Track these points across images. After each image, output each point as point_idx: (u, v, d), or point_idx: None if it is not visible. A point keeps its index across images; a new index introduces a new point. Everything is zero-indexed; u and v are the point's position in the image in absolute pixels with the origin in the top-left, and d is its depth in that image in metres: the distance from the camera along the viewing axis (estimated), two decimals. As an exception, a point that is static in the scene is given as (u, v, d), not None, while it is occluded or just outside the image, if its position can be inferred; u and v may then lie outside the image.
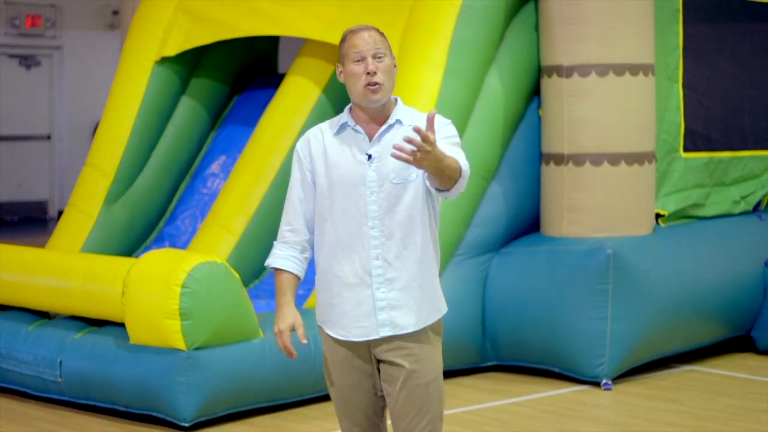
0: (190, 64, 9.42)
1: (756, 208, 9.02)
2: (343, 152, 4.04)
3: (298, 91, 8.74)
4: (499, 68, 8.10)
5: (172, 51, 9.15)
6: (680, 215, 8.46)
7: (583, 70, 7.90)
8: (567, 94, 7.95)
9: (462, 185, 3.97)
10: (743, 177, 8.92)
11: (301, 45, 9.10)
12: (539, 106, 8.26)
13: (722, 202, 8.73)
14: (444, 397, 4.12)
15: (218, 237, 8.37)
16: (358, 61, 3.99)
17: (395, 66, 4.07)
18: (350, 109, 4.10)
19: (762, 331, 8.72)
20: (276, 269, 4.14)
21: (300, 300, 8.00)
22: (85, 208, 8.97)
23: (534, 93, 8.31)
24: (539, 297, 7.86)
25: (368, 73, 3.97)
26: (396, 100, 4.11)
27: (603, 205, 7.94)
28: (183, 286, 6.57)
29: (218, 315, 6.71)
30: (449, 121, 4.11)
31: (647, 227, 8.10)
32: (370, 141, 4.03)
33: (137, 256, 8.59)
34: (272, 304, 7.90)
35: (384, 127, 4.04)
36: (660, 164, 8.29)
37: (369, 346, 4.06)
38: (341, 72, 4.06)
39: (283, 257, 4.14)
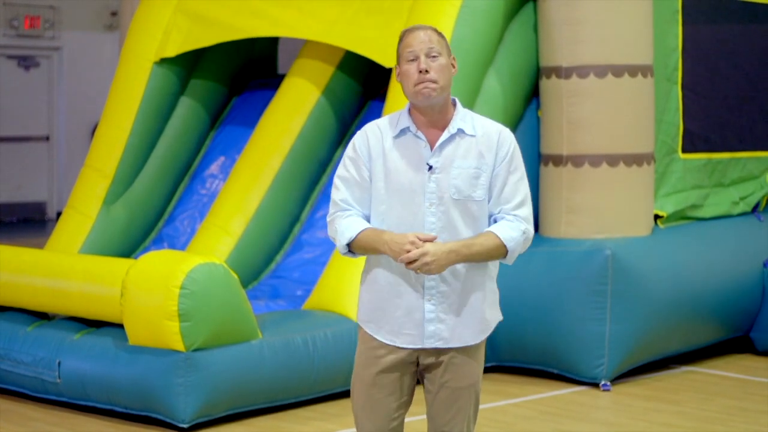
0: (189, 65, 9.41)
1: (755, 209, 9.02)
2: (403, 158, 3.97)
3: (298, 92, 8.73)
4: (497, 69, 8.10)
5: (171, 52, 9.15)
6: (679, 216, 8.46)
7: (582, 71, 7.90)
8: (566, 95, 7.95)
9: (515, 254, 3.97)
10: (742, 178, 8.92)
11: (300, 46, 9.10)
12: (538, 107, 8.27)
13: (721, 203, 8.73)
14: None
15: (217, 238, 8.37)
16: (412, 60, 3.94)
17: (454, 67, 4.01)
18: (409, 111, 4.02)
19: (761, 332, 8.72)
20: (356, 236, 3.94)
21: (299, 300, 8.01)
22: (84, 209, 8.97)
23: (533, 94, 8.31)
24: (538, 298, 7.86)
25: (420, 72, 3.92)
26: (455, 102, 4.04)
27: (602, 206, 7.94)
28: (182, 288, 6.57)
29: (217, 316, 6.71)
30: (514, 143, 4.04)
31: (646, 228, 8.10)
32: (432, 149, 3.96)
33: (136, 257, 8.59)
34: (271, 305, 7.91)
35: (446, 136, 3.97)
36: (659, 165, 8.29)
37: (418, 353, 4.02)
38: (398, 73, 4.00)
39: (358, 222, 3.96)
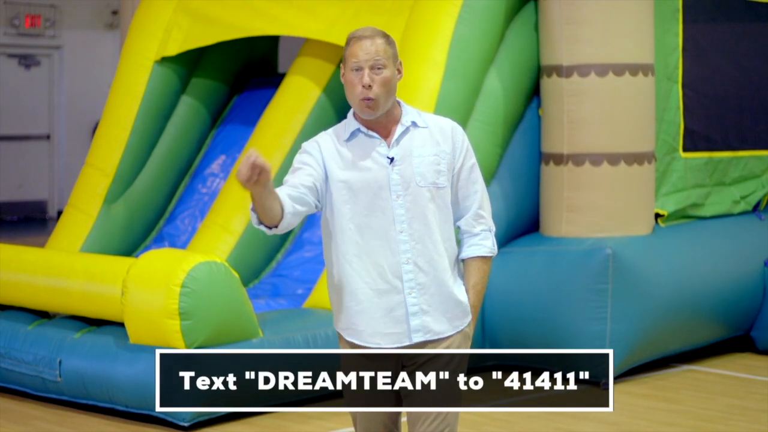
0: (190, 63, 9.42)
1: (756, 207, 9.02)
2: (361, 157, 3.94)
3: (298, 91, 8.73)
4: (498, 68, 8.10)
5: (172, 51, 9.15)
6: (680, 215, 8.46)
7: (583, 70, 7.90)
8: (567, 94, 7.95)
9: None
10: (743, 177, 8.92)
11: (301, 45, 9.10)
12: (539, 105, 8.26)
13: (722, 202, 8.73)
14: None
15: (218, 237, 8.37)
16: (356, 70, 3.90)
17: (399, 72, 3.98)
18: (354, 115, 4.00)
19: (761, 331, 8.72)
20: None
21: (300, 299, 8.01)
22: (85, 207, 8.97)
23: (534, 93, 8.31)
24: (539, 297, 7.86)
25: (363, 86, 3.88)
26: (399, 102, 4.02)
27: (602, 205, 7.94)
28: (182, 286, 6.57)
29: (218, 315, 6.71)
30: (465, 135, 4.05)
31: (647, 227, 8.10)
32: (388, 145, 3.95)
33: (137, 256, 8.59)
34: (272, 304, 7.90)
35: (401, 129, 3.95)
36: (659, 164, 8.29)
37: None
38: (343, 75, 3.98)
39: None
